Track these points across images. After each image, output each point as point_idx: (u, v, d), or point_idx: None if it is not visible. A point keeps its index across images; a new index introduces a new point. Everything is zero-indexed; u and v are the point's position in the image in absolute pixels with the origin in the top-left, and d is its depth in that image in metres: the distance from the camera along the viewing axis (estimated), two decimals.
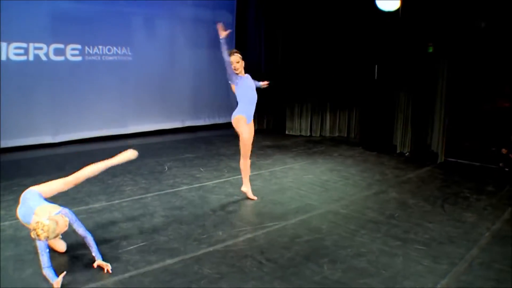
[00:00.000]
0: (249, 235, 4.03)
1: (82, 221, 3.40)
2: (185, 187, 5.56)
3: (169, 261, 3.46)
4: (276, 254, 3.63)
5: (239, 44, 10.08)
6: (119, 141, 8.47)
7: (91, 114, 8.52)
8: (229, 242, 3.86)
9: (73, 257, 3.48)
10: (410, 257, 3.59)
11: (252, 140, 4.95)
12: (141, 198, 5.09)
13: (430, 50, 7.25)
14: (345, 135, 9.18)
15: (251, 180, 5.23)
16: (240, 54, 4.80)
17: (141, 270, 3.30)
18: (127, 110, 9.10)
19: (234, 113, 4.89)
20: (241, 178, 5.07)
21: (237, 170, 5.61)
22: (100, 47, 8.56)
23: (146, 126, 9.43)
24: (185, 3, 9.66)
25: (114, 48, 8.77)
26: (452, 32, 6.81)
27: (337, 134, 9.27)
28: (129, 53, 9.01)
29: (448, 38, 6.83)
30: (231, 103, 10.24)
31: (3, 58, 7.34)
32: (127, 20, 8.86)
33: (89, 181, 5.13)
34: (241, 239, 3.95)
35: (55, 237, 3.10)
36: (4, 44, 7.31)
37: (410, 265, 3.44)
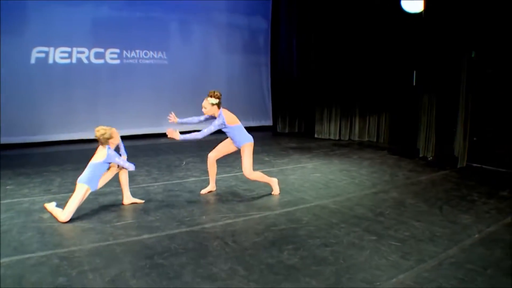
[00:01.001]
0: (229, 221, 4.30)
1: (90, 202, 4.06)
2: (192, 179, 5.97)
3: (145, 236, 3.84)
4: (245, 238, 3.86)
5: (274, 49, 10.44)
6: (152, 139, 9.13)
7: (128, 113, 9.25)
8: (207, 225, 4.16)
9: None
10: (378, 251, 3.60)
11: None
12: (147, 186, 5.55)
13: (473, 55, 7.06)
14: (375, 140, 9.12)
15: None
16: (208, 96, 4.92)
17: (118, 241, 3.71)
18: (162, 110, 9.63)
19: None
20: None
21: None
22: (137, 51, 9.31)
23: (180, 127, 9.98)
24: (220, 10, 10.18)
25: (151, 52, 9.49)
26: (477, 33, 6.65)
27: (366, 139, 9.23)
28: (165, 57, 9.69)
29: (474, 40, 6.67)
30: (265, 107, 10.64)
31: (50, 61, 8.29)
32: (163, 26, 9.55)
33: None
34: (220, 223, 4.23)
35: (112, 140, 4.34)
36: (51, 49, 8.25)
37: (373, 258, 3.44)
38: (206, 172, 6.25)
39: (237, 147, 5.13)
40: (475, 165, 6.90)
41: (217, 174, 5.60)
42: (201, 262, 3.35)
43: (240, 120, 10.96)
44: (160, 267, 3.24)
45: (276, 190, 5.24)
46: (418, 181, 6.04)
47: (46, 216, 4.31)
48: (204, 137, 4.81)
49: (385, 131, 8.91)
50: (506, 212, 4.78)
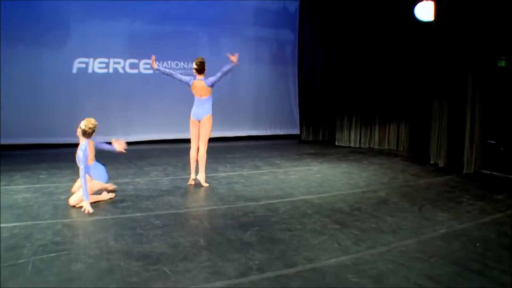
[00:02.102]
0: (213, 207, 4.96)
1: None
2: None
3: (137, 214, 4.60)
4: (220, 220, 4.50)
5: (300, 60, 11.08)
6: (179, 144, 10.01)
7: (159, 119, 10.22)
8: (192, 209, 4.86)
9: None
10: (334, 237, 4.01)
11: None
12: (158, 180, 6.36)
13: (503, 64, 7.23)
14: (395, 148, 9.40)
15: (265, 174, 6.51)
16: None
17: (113, 216, 4.51)
18: None
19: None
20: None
21: (255, 168, 7.01)
22: (169, 61, 10.30)
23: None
24: (249, 23, 10.99)
25: (181, 63, 10.44)
26: (487, 39, 6.89)
27: (386, 147, 9.54)
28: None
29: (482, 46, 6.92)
30: (293, 116, 11.25)
31: (90, 71, 9.49)
32: (194, 38, 10.48)
33: (127, 165, 6.74)
34: (205, 209, 4.92)
35: (91, 132, 4.84)
36: (91, 60, 9.45)
37: (326, 243, 3.87)
38: (217, 172, 7.02)
39: (197, 119, 5.88)
40: (485, 171, 7.05)
41: (224, 171, 6.32)
42: (173, 234, 4.03)
43: (268, 128, 11.63)
44: (137, 235, 3.97)
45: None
46: (415, 184, 6.36)
47: (63, 197, 5.22)
48: (173, 77, 5.94)
49: (404, 139, 9.17)
50: (488, 212, 5.01)
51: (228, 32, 10.83)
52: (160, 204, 5.05)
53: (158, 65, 6.06)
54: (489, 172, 7.04)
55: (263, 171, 7.16)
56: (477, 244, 3.95)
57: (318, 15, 10.57)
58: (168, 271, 3.21)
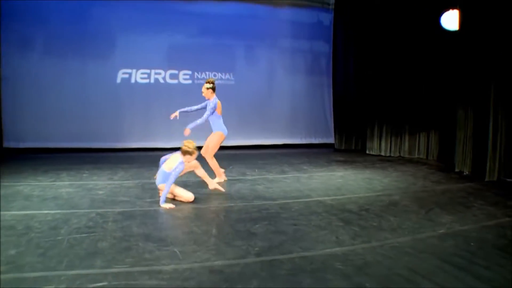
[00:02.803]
0: (231, 204, 5.51)
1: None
2: (228, 178, 7.28)
3: (160, 208, 5.25)
4: (234, 215, 5.03)
5: (334, 71, 11.48)
6: (221, 151, 10.69)
7: (199, 126, 10.95)
8: (212, 206, 5.45)
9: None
10: (334, 232, 4.39)
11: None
12: (186, 180, 7.01)
13: None
14: (425, 157, 9.57)
15: (289, 178, 7.13)
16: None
17: (139, 209, 5.16)
18: (230, 126, 11.26)
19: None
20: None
21: (281, 173, 7.59)
22: (207, 72, 11.07)
23: (245, 141, 11.47)
24: (284, 35, 11.57)
25: (219, 73, 11.18)
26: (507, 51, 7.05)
27: (416, 156, 9.72)
28: (232, 78, 11.31)
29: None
30: (327, 125, 11.65)
31: (133, 81, 10.42)
32: (231, 50, 11.20)
33: None
34: (223, 205, 5.47)
35: (190, 159, 5.51)
36: (134, 71, 10.38)
37: (326, 236, 4.26)
38: (243, 174, 7.58)
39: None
40: (509, 180, 7.15)
41: (251, 175, 6.88)
42: (189, 224, 4.62)
43: (303, 137, 12.05)
44: (158, 224, 4.59)
45: (211, 185, 6.07)
46: (431, 189, 6.60)
47: (100, 192, 5.98)
48: (204, 121, 6.63)
49: (434, 148, 9.33)
50: (495, 217, 5.19)
51: (264, 44, 11.46)
52: (186, 202, 5.66)
53: (180, 111, 6.89)
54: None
55: (288, 175, 7.64)
56: (472, 244, 4.20)
57: (351, 28, 10.96)
58: (177, 251, 3.78)
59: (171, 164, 5.49)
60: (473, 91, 7.59)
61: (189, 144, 5.50)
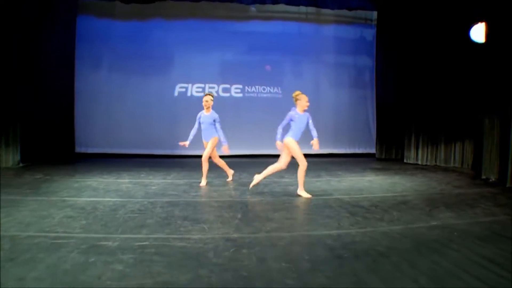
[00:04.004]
0: (261, 198, 6.65)
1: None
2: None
3: (200, 199, 6.51)
4: (261, 206, 6.15)
5: (377, 84, 12.29)
6: (267, 158, 11.82)
7: (249, 136, 12.25)
8: (243, 199, 6.62)
9: None
10: (338, 220, 5.31)
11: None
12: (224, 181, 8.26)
13: None
14: (460, 166, 10.12)
15: (320, 181, 8.15)
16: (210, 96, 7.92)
17: (183, 199, 6.45)
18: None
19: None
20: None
21: (315, 177, 8.68)
22: (257, 86, 12.35)
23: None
24: (329, 51, 12.61)
25: (268, 87, 12.42)
26: None
27: (452, 165, 10.30)
28: (280, 92, 12.50)
29: None
30: (371, 136, 12.46)
31: (189, 94, 11.93)
32: (279, 65, 12.41)
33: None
34: (254, 199, 6.61)
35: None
36: (190, 85, 11.91)
37: (329, 222, 5.20)
38: (281, 177, 8.67)
39: (206, 141, 7.70)
40: None
41: (289, 178, 8.20)
42: (221, 211, 5.81)
43: (347, 147, 12.88)
44: (196, 210, 5.83)
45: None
46: (447, 193, 7.29)
47: (154, 187, 7.37)
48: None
49: (469, 157, 9.86)
50: (494, 215, 5.85)
51: (310, 59, 12.56)
52: (222, 195, 6.89)
53: (189, 140, 7.97)
54: None
55: (321, 179, 8.64)
56: (455, 233, 5.00)
57: (391, 42, 11.76)
58: (205, 227, 4.98)
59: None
60: (498, 101, 8.16)
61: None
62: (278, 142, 6.82)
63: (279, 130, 6.86)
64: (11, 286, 3.29)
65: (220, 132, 7.75)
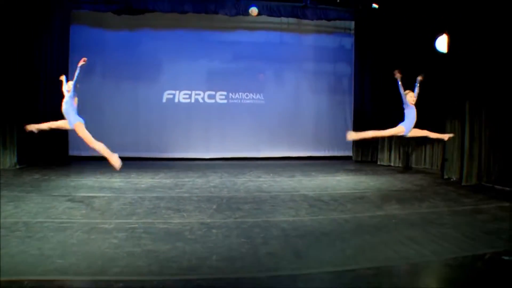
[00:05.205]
0: (236, 194, 8.01)
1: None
2: (244, 179, 9.80)
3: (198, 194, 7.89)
4: (235, 200, 7.45)
5: (357, 91, 13.70)
6: (250, 161, 13.24)
7: (233, 140, 13.61)
8: (221, 195, 7.99)
9: None
10: (297, 210, 6.65)
11: None
12: (210, 179, 9.63)
13: None
14: (430, 167, 11.51)
15: (292, 180, 9.65)
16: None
17: (166, 195, 7.82)
18: (260, 140, 13.86)
19: None
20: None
21: (289, 177, 9.81)
22: (240, 93, 13.72)
23: (274, 153, 13.93)
24: (309, 59, 14.02)
25: (251, 94, 13.78)
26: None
27: (422, 166, 11.71)
28: (262, 98, 13.87)
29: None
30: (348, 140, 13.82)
31: (176, 100, 13.32)
32: (261, 73, 13.82)
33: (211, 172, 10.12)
34: (229, 195, 7.98)
35: None
36: (177, 92, 13.28)
37: (289, 212, 6.55)
38: (258, 177, 10.07)
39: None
40: (487, 184, 8.93)
41: (264, 178, 9.41)
42: (200, 203, 7.19)
43: (326, 150, 14.18)
44: (178, 203, 7.21)
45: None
46: (405, 190, 8.60)
47: (143, 185, 8.73)
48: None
49: (438, 158, 11.21)
50: (436, 207, 7.21)
51: (291, 67, 13.94)
52: (203, 191, 8.26)
53: None
54: (490, 185, 9.00)
55: (294, 178, 9.99)
56: (393, 221, 6.39)
57: (367, 50, 13.17)
58: (184, 215, 6.34)
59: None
60: (457, 105, 9.53)
61: None
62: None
63: None
64: (34, 253, 4.63)
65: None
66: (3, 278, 3.88)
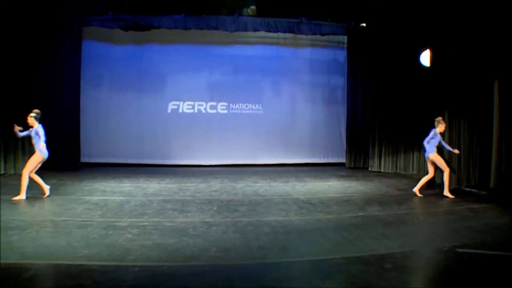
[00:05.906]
0: (234, 198, 9.00)
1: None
2: (237, 184, 10.79)
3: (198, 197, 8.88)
4: (234, 203, 8.47)
5: (348, 101, 14.69)
6: (249, 167, 14.20)
7: (233, 148, 14.61)
8: (221, 198, 8.98)
9: None
10: (288, 211, 7.62)
11: None
12: (209, 183, 10.61)
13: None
14: (417, 172, 12.43)
15: (286, 185, 10.54)
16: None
17: (172, 198, 8.81)
18: (258, 147, 14.85)
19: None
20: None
21: (284, 182, 10.68)
22: (240, 104, 14.71)
23: (271, 160, 14.90)
24: (304, 71, 15.04)
25: (250, 104, 14.77)
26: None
27: (410, 172, 12.66)
28: (261, 108, 14.86)
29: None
30: (342, 147, 14.85)
31: (180, 111, 14.34)
32: (260, 85, 14.84)
33: (205, 178, 11.12)
34: (229, 198, 8.98)
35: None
36: (181, 103, 14.30)
37: (280, 213, 7.52)
38: (255, 182, 11.05)
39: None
40: (467, 189, 9.90)
41: (260, 183, 10.40)
42: (203, 206, 8.18)
43: (322, 157, 15.17)
44: (183, 205, 8.20)
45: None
46: (389, 194, 9.56)
47: (151, 190, 9.73)
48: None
49: (425, 165, 12.13)
50: (411, 208, 8.23)
51: (288, 79, 14.95)
52: (205, 195, 9.25)
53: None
54: (469, 189, 9.96)
55: (288, 183, 10.96)
56: (372, 220, 7.35)
57: (359, 63, 14.20)
58: (188, 215, 7.34)
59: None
60: (439, 113, 10.42)
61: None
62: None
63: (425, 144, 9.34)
64: (63, 244, 5.63)
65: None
66: (42, 262, 4.88)
